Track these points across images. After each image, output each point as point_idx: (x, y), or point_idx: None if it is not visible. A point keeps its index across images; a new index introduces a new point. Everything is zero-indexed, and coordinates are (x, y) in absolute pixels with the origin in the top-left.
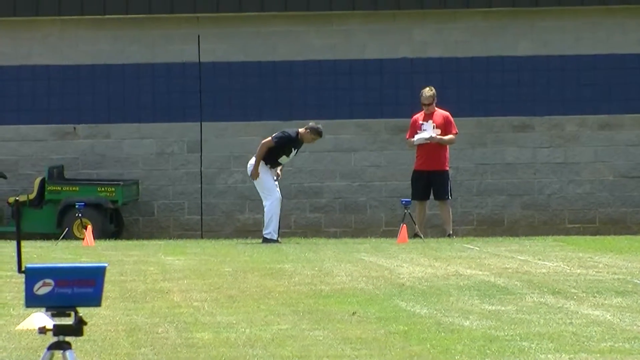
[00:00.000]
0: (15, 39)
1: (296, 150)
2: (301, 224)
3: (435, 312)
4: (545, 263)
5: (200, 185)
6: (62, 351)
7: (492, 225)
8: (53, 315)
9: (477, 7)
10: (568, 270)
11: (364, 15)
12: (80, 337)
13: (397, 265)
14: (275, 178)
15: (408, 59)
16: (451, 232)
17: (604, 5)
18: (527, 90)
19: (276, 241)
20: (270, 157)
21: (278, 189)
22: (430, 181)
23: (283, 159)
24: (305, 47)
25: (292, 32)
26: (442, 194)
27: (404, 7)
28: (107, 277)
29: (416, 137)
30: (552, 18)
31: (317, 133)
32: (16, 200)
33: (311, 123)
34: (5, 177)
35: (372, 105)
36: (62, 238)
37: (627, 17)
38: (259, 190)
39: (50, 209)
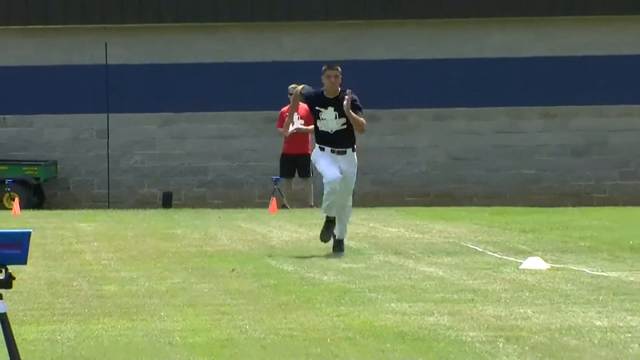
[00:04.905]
0: None
1: (327, 108)
2: (190, 197)
3: (299, 269)
4: (389, 229)
5: (107, 165)
6: None
7: None
8: None
9: (336, 19)
10: (408, 235)
11: (244, 26)
12: (9, 290)
13: (268, 231)
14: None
15: (278, 62)
16: (312, 204)
17: (443, 18)
18: (377, 87)
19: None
20: (315, 131)
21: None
22: (295, 162)
23: (322, 124)
24: (196, 52)
25: (185, 39)
26: (305, 173)
27: (275, 19)
28: (32, 240)
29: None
30: (399, 27)
31: (327, 66)
32: None
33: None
34: None
35: (250, 100)
36: None
37: (463, 27)
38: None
39: None
